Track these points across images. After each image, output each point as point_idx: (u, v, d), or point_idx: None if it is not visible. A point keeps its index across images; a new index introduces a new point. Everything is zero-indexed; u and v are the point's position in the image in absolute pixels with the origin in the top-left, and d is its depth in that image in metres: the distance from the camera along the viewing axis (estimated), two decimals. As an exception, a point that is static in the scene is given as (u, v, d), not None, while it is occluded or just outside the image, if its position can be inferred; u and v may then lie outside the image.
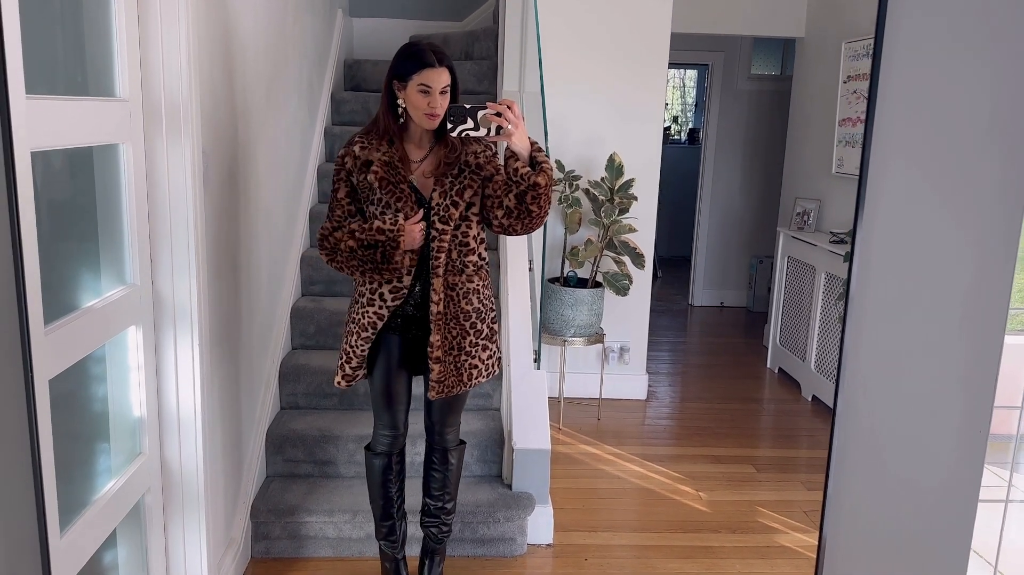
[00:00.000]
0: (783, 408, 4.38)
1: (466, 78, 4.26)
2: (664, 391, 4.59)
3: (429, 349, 2.20)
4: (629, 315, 4.33)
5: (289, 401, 3.12)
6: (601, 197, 3.93)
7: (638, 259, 3.93)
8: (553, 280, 4.07)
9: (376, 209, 2.15)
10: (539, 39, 3.55)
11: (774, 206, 6.30)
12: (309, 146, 3.72)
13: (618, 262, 3.96)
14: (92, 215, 1.94)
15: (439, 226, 2.14)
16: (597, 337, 3.99)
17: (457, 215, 2.15)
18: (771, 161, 6.39)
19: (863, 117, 4.21)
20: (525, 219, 2.11)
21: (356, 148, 2.17)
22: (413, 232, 2.11)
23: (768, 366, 5.05)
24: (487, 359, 2.30)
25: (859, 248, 0.91)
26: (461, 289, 2.21)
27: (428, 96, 2.06)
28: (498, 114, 1.98)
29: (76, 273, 1.87)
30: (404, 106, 2.12)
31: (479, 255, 2.25)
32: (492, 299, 2.30)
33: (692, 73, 9.94)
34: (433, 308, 2.18)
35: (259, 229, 2.80)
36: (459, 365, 2.24)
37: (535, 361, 3.11)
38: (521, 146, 2.04)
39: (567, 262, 4.11)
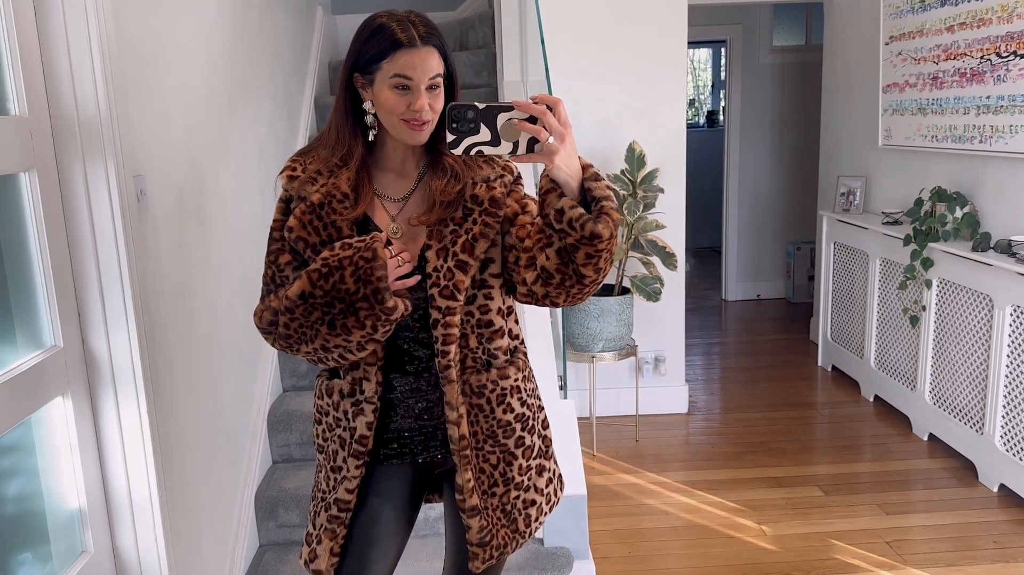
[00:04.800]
0: (842, 412, 3.91)
1: (462, 70, 3.84)
2: (706, 401, 4.14)
3: (459, 496, 1.40)
4: (662, 321, 3.88)
5: (281, 453, 2.71)
6: (622, 192, 3.49)
7: (669, 259, 3.49)
8: (575, 288, 3.63)
9: None
10: (540, 19, 3.12)
11: (810, 187, 5.82)
12: (291, 159, 3.32)
13: (646, 263, 3.52)
14: (-5, 265, 1.53)
15: (440, 302, 1.34)
16: (629, 350, 3.55)
17: (468, 282, 1.35)
18: (803, 138, 5.91)
19: (911, 81, 3.74)
20: (572, 287, 1.30)
21: (283, 178, 1.38)
22: (389, 266, 1.29)
23: (819, 364, 4.58)
24: (546, 487, 1.50)
25: None
26: (492, 392, 1.41)
27: (408, 94, 1.29)
28: (532, 119, 1.20)
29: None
30: (373, 112, 1.35)
31: (510, 333, 1.46)
32: (536, 393, 1.52)
33: (703, 52, 9.45)
34: (452, 431, 1.38)
35: (227, 257, 2.40)
36: (508, 508, 1.45)
37: (561, 388, 2.68)
38: (569, 171, 1.23)
39: (589, 267, 3.68)
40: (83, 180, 1.66)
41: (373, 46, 1.31)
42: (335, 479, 1.44)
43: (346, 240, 1.31)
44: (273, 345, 1.37)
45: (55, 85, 1.61)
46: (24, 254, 1.58)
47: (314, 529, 1.46)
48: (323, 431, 1.49)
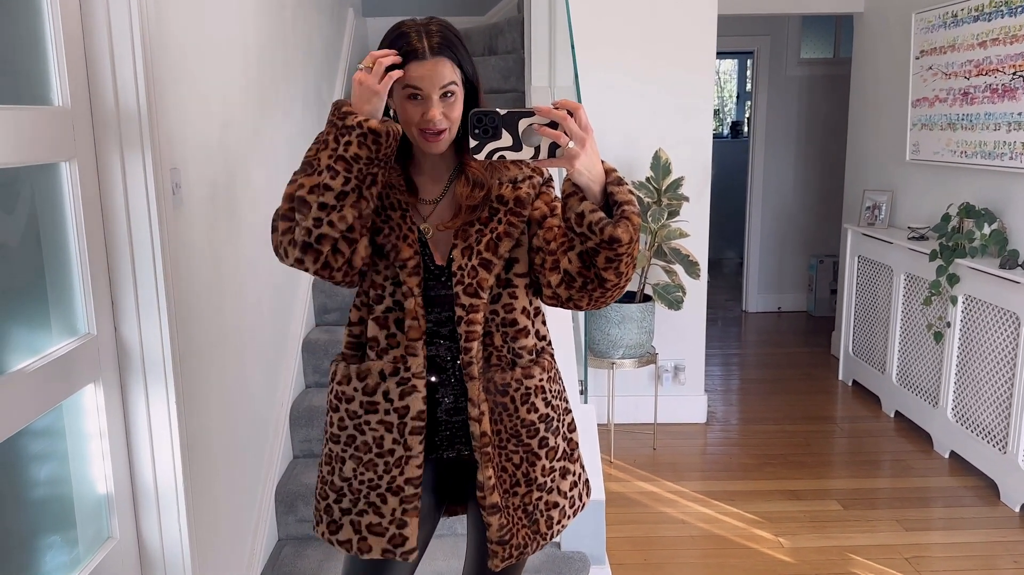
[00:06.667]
0: (862, 427, 3.88)
1: (490, 75, 3.86)
2: (724, 412, 4.12)
3: (479, 493, 1.41)
4: (683, 330, 3.87)
5: (303, 449, 2.74)
6: (647, 199, 3.50)
7: (692, 268, 3.49)
8: (597, 295, 3.63)
9: None
10: (571, 25, 3.13)
11: (834, 200, 5.80)
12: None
13: (669, 272, 3.52)
14: (34, 253, 1.56)
15: (464, 299, 1.37)
16: (649, 358, 3.55)
17: (491, 280, 1.39)
18: (829, 151, 5.89)
19: (941, 96, 3.72)
20: (595, 291, 1.32)
21: None
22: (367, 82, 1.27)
23: (840, 378, 4.55)
24: (570, 490, 1.50)
25: None
26: (516, 391, 1.42)
27: (421, 104, 1.31)
28: (553, 124, 1.21)
29: (6, 327, 1.49)
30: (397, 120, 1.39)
31: (536, 334, 1.47)
32: (563, 395, 1.52)
33: (729, 63, 9.44)
34: (474, 428, 1.40)
35: (256, 254, 2.42)
36: (530, 508, 1.45)
37: (581, 394, 2.68)
38: (590, 176, 1.23)
39: (611, 274, 3.68)
40: (121, 171, 1.68)
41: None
42: (385, 464, 1.41)
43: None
44: (286, 225, 1.36)
45: (97, 77, 1.64)
46: (62, 242, 1.61)
47: (385, 518, 1.41)
48: (340, 419, 1.45)
